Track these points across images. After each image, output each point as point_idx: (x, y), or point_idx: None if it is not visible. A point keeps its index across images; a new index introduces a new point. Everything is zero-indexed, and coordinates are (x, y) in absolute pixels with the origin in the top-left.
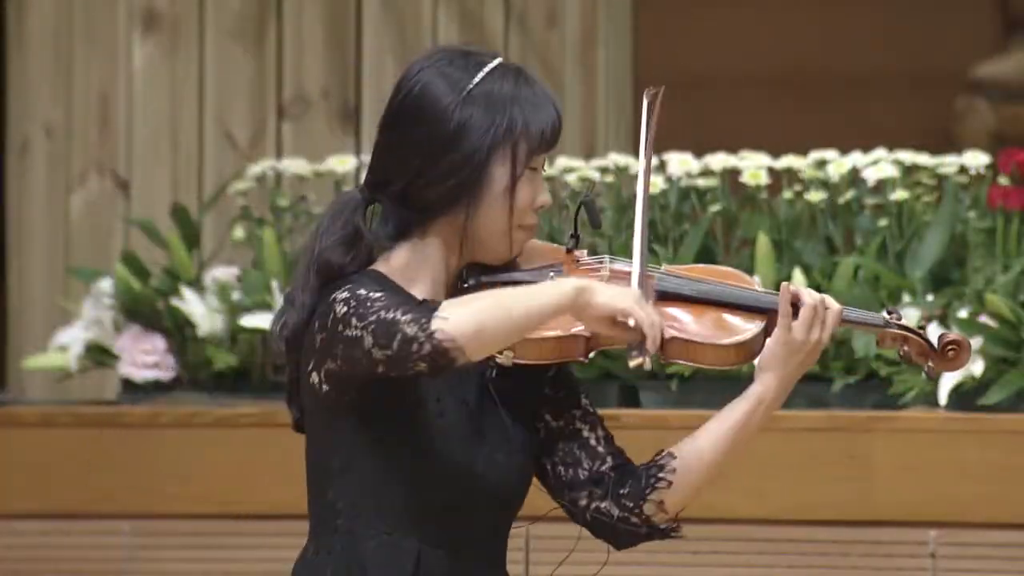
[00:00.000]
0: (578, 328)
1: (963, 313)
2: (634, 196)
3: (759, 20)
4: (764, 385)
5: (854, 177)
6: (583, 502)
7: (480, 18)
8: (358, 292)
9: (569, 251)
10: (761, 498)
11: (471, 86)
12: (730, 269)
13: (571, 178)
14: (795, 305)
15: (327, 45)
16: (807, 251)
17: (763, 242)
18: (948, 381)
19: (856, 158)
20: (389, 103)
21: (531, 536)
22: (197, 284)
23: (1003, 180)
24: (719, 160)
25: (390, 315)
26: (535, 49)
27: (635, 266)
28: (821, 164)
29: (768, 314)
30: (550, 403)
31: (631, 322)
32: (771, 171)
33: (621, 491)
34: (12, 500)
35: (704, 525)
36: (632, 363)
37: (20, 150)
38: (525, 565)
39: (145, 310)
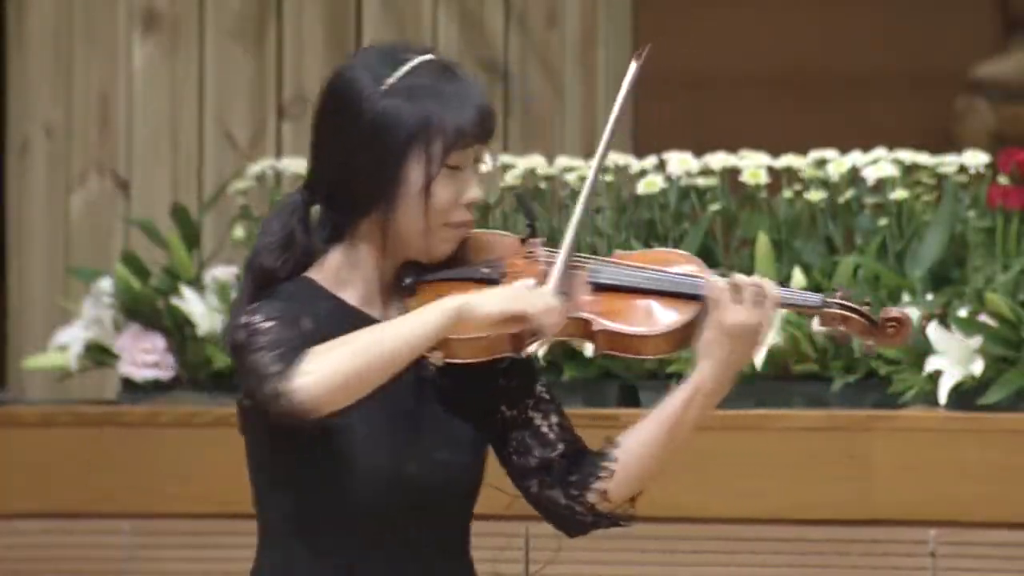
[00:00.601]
0: (509, 327)
1: (963, 312)
2: (579, 195)
3: (759, 20)
4: (700, 373)
5: (854, 177)
6: (534, 489)
7: (480, 18)
8: (252, 320)
9: (523, 241)
10: (761, 498)
11: (389, 83)
12: (683, 255)
13: (571, 178)
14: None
15: (327, 45)
16: (807, 251)
17: (763, 242)
18: (948, 380)
19: (856, 158)
20: (316, 101)
21: (531, 536)
22: (197, 284)
23: (1003, 180)
24: (719, 159)
25: (262, 361)
26: (535, 49)
27: (558, 260)
28: (821, 164)
29: (705, 301)
30: (505, 393)
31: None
32: (771, 171)
33: (568, 479)
34: (12, 500)
35: (704, 525)
36: (525, 352)
37: (20, 150)
38: (525, 565)
39: (145, 310)
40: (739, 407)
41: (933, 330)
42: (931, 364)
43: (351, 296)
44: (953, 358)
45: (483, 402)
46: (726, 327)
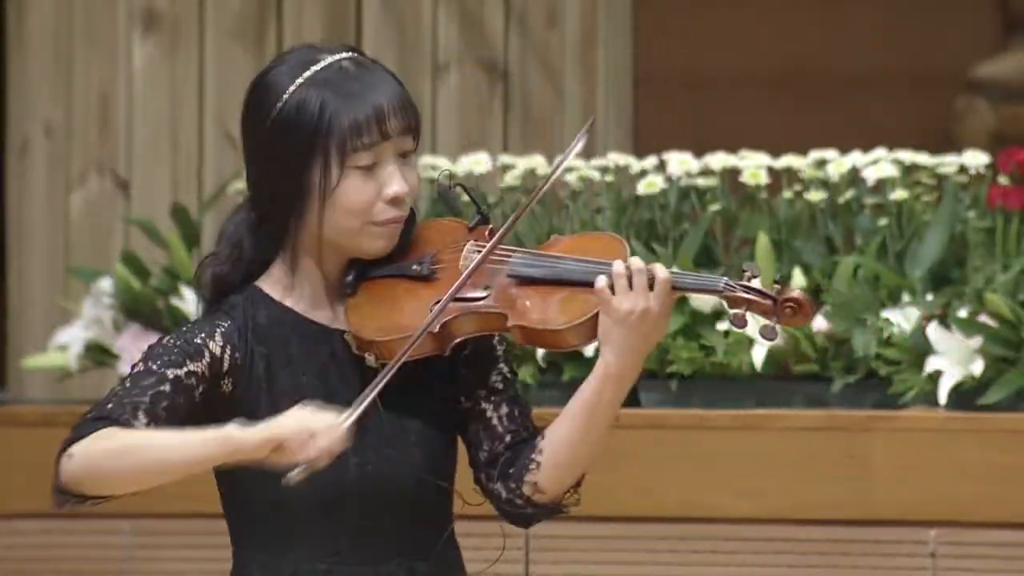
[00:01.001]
0: (427, 326)
1: (963, 312)
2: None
3: (759, 20)
4: (604, 360)
5: (854, 177)
6: (483, 483)
7: (480, 18)
8: (148, 348)
9: (470, 229)
10: (761, 498)
11: (296, 84)
12: (618, 243)
13: (571, 178)
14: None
15: None
16: (807, 251)
17: (763, 242)
18: (948, 380)
19: (856, 158)
20: (242, 107)
21: (531, 536)
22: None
23: (1003, 180)
24: (719, 160)
25: (93, 411)
26: (535, 49)
27: (369, 389)
28: (821, 164)
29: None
30: (462, 384)
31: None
32: (771, 171)
33: (508, 471)
34: (12, 500)
35: (704, 525)
36: (289, 482)
37: (20, 150)
38: (525, 565)
39: (145, 310)
40: (739, 407)
41: (933, 330)
42: (931, 364)
43: (297, 302)
44: (953, 358)
45: (444, 394)
46: (618, 314)
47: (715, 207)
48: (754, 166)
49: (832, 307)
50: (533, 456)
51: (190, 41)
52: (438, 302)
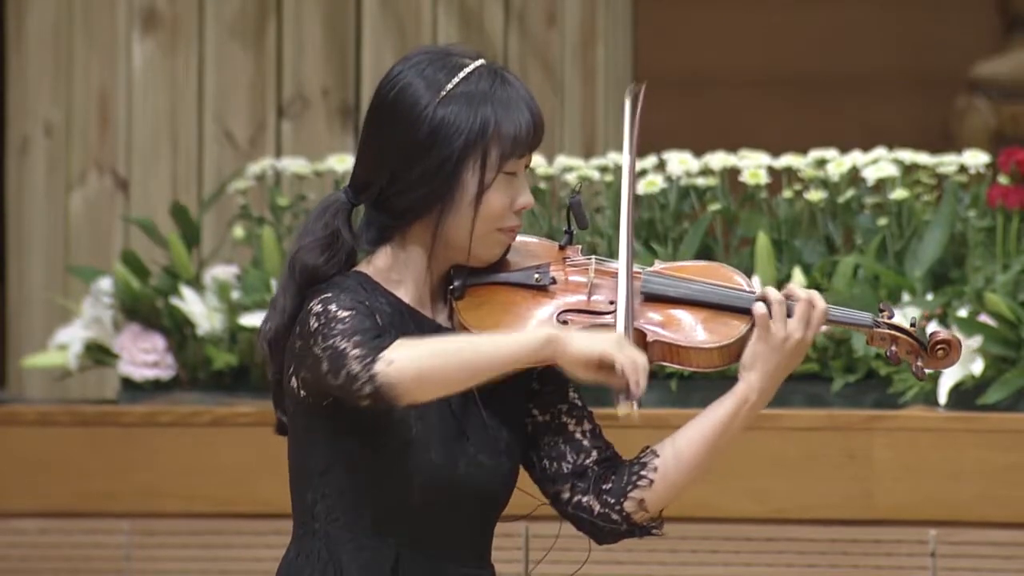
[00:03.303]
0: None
1: (963, 312)
2: (619, 214)
3: (759, 20)
4: (747, 384)
5: (854, 176)
6: (565, 495)
7: (480, 18)
8: (329, 308)
9: (562, 248)
10: (761, 498)
11: (446, 90)
12: (728, 269)
13: (570, 177)
14: (767, 305)
15: (327, 45)
16: (807, 250)
17: (763, 241)
18: (948, 380)
19: (856, 157)
20: (370, 104)
21: (531, 536)
22: (197, 283)
23: (1003, 179)
24: (719, 159)
25: (343, 344)
26: (535, 49)
27: (620, 305)
28: (821, 163)
29: (754, 315)
30: (537, 397)
31: (616, 366)
32: (771, 170)
33: (603, 487)
34: (11, 499)
35: (704, 525)
36: (620, 411)
37: (20, 149)
38: (525, 565)
39: (145, 309)
40: None
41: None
42: None
43: (403, 293)
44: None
45: (516, 406)
46: (775, 340)
47: (715, 207)
48: (754, 166)
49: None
50: (644, 473)
51: (190, 41)
52: (572, 311)
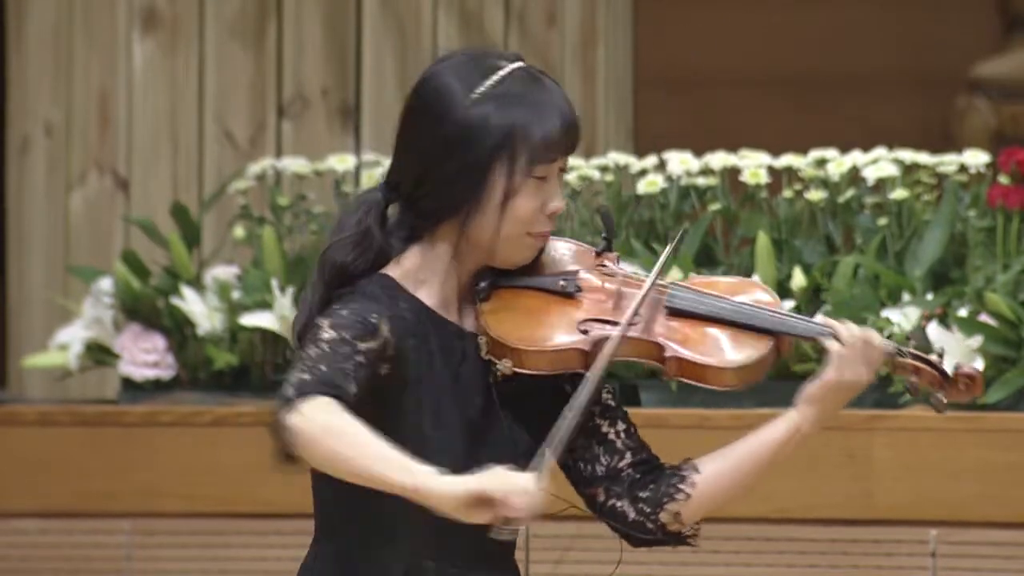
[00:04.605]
0: (575, 340)
1: (963, 312)
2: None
3: (759, 20)
4: (803, 416)
5: (854, 176)
6: (600, 498)
7: (480, 18)
8: (319, 325)
9: (598, 254)
10: (761, 498)
11: (479, 92)
12: (753, 282)
13: (571, 177)
14: (839, 340)
15: (327, 45)
16: (807, 250)
17: (763, 241)
18: None
19: (856, 157)
20: (405, 101)
21: (531, 536)
22: (197, 283)
23: (1003, 179)
24: (719, 159)
25: (294, 376)
26: (535, 49)
27: (557, 434)
28: (821, 163)
29: (778, 337)
30: (569, 399)
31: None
32: (771, 170)
33: (639, 494)
34: (11, 499)
35: (705, 524)
36: (500, 537)
37: (20, 149)
38: (525, 565)
39: (145, 309)
40: (739, 407)
41: (933, 330)
42: None
43: (428, 297)
44: (953, 358)
45: (548, 408)
46: (842, 377)
47: (715, 206)
48: (754, 165)
49: (832, 307)
50: (682, 487)
51: (190, 41)
52: (595, 320)
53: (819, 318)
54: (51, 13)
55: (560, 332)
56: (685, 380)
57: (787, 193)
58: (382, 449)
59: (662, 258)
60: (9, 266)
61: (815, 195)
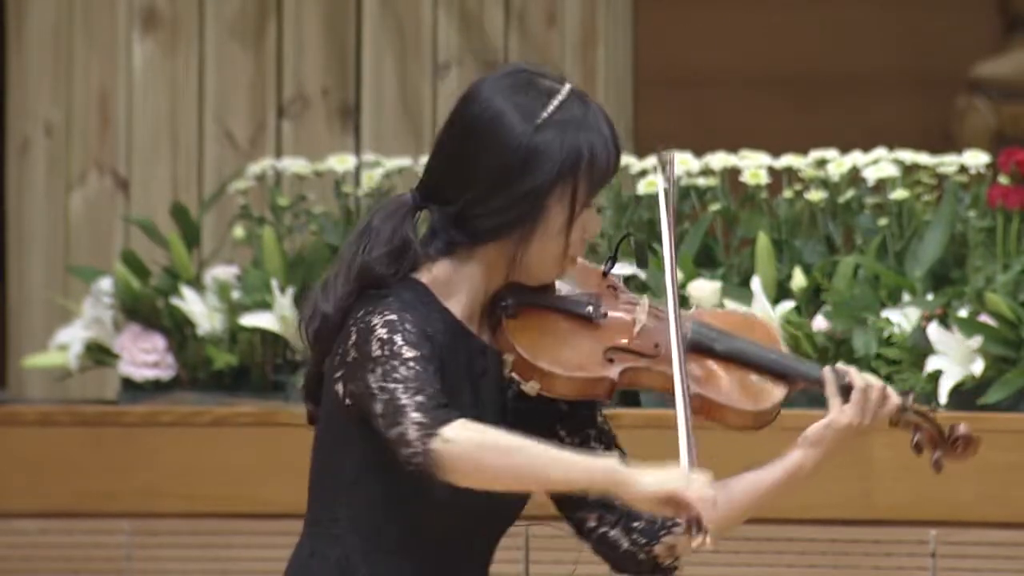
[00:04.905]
0: (607, 371)
1: (963, 312)
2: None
3: (759, 20)
4: (806, 457)
5: (854, 176)
6: (591, 524)
7: (480, 18)
8: (395, 339)
9: (605, 275)
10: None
11: (541, 118)
12: (759, 320)
13: None
14: (846, 387)
15: (327, 45)
16: (807, 250)
17: (763, 241)
18: (948, 380)
19: (856, 157)
20: (454, 118)
21: (531, 536)
22: (197, 283)
23: (1003, 179)
24: (719, 159)
25: (404, 399)
26: (535, 49)
27: (682, 436)
28: (821, 163)
29: (791, 381)
30: (567, 419)
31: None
32: (771, 170)
33: (633, 524)
34: (11, 499)
35: None
36: (693, 543)
37: (20, 149)
38: (525, 564)
39: (145, 309)
40: None
41: (933, 330)
42: (931, 364)
43: (456, 307)
44: (953, 358)
45: (546, 427)
46: (843, 423)
47: (715, 207)
48: (754, 166)
49: (832, 307)
50: (680, 521)
51: (190, 41)
52: (621, 349)
53: (839, 365)
54: (51, 13)
55: (591, 360)
56: (702, 418)
57: (787, 193)
58: (545, 451)
59: (672, 284)
60: (9, 266)
61: (815, 195)
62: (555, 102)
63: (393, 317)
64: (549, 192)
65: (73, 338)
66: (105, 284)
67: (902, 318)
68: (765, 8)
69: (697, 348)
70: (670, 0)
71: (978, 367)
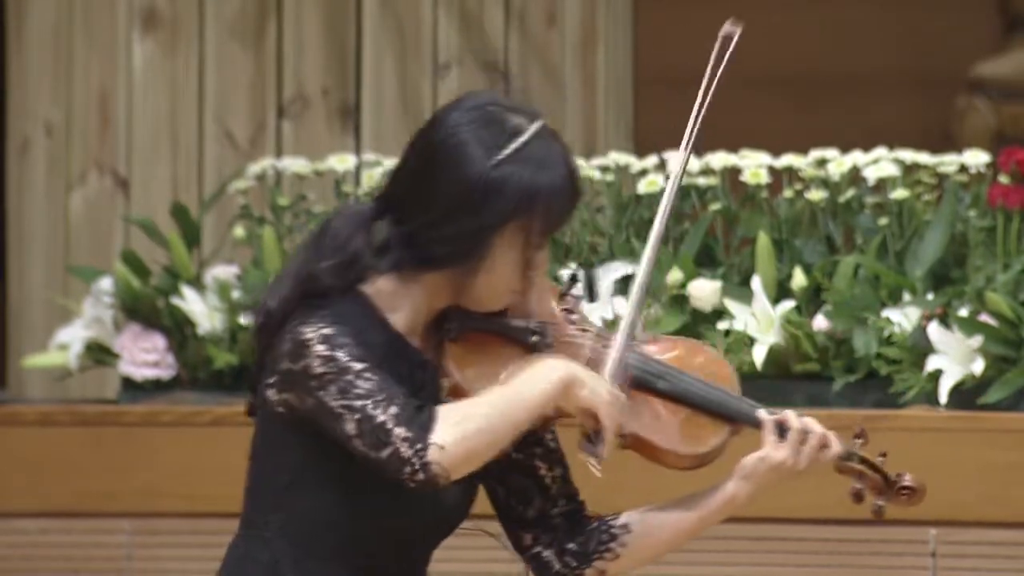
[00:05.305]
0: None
1: (963, 312)
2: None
3: (759, 20)
4: (739, 490)
5: (854, 176)
6: (527, 541)
7: (480, 18)
8: (336, 356)
9: (563, 296)
10: (761, 497)
11: (501, 157)
12: (712, 354)
13: None
14: (781, 427)
15: (327, 45)
16: (807, 250)
17: (763, 241)
18: (948, 380)
19: (856, 157)
20: (418, 140)
21: None
22: (197, 283)
23: (1003, 179)
24: (719, 159)
25: (380, 417)
26: (535, 49)
27: (614, 352)
28: (821, 163)
29: (736, 424)
30: None
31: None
32: (771, 170)
33: (567, 545)
34: (11, 499)
35: None
36: (581, 455)
37: (20, 149)
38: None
39: (145, 309)
40: None
41: (934, 330)
42: (932, 363)
43: (398, 321)
44: (954, 357)
45: None
46: (775, 462)
47: (716, 206)
48: (755, 165)
49: (832, 306)
50: (612, 546)
51: (190, 41)
52: None
53: (782, 412)
54: (51, 13)
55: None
56: (640, 454)
57: (787, 193)
58: (507, 394)
59: (626, 320)
60: (9, 266)
61: (815, 195)
62: (518, 141)
63: (330, 331)
64: (500, 229)
65: (73, 338)
66: (105, 284)
67: (902, 318)
68: (765, 8)
69: (638, 385)
70: (670, 0)
71: (978, 367)
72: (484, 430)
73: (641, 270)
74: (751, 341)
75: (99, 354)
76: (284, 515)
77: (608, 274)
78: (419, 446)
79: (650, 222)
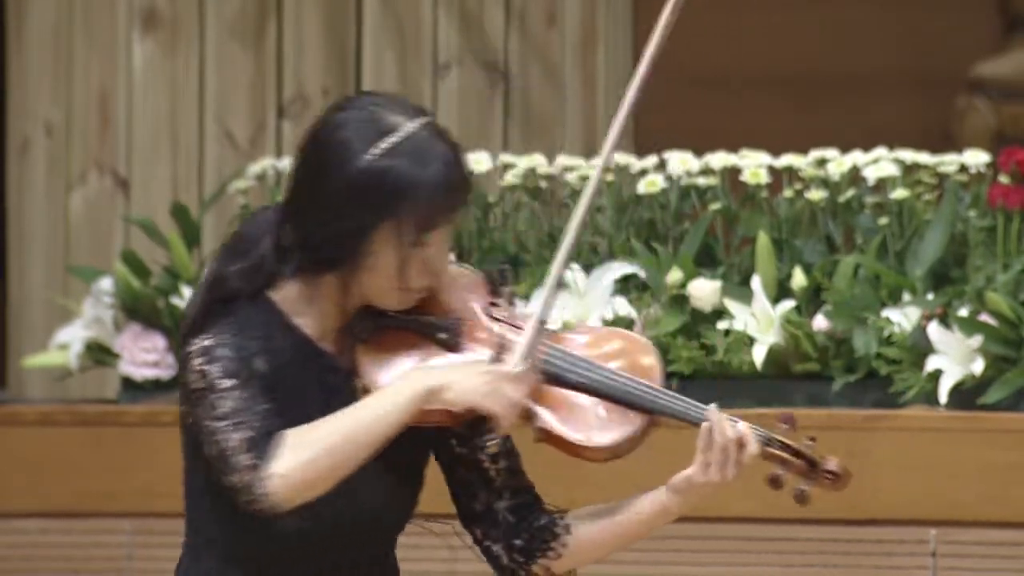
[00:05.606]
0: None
1: (963, 312)
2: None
3: (759, 20)
4: (673, 502)
5: (854, 176)
6: (477, 535)
7: (480, 18)
8: (208, 371)
9: (493, 291)
10: (761, 497)
11: (373, 155)
12: (636, 345)
13: (571, 177)
14: (708, 440)
15: (327, 45)
16: (807, 250)
17: (763, 241)
18: (948, 380)
19: (856, 157)
20: (302, 143)
21: None
22: (197, 283)
23: (1003, 179)
24: (719, 159)
25: (232, 442)
26: (535, 49)
27: (521, 345)
28: (821, 163)
29: (650, 415)
30: (444, 434)
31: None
32: (771, 170)
33: (514, 541)
34: (12, 499)
35: (704, 524)
36: (486, 442)
37: (20, 149)
38: None
39: (145, 309)
40: (739, 407)
41: (934, 330)
42: (932, 363)
43: (307, 326)
44: (954, 357)
45: (432, 435)
46: (711, 481)
47: (715, 206)
48: (754, 165)
49: (832, 306)
50: (554, 546)
51: (190, 41)
52: None
53: (711, 407)
54: (51, 13)
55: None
56: (550, 446)
57: (787, 193)
58: (361, 410)
59: (535, 319)
60: (9, 266)
61: (815, 195)
62: (393, 138)
63: (209, 343)
64: (378, 226)
65: (73, 338)
66: (105, 284)
67: (902, 318)
68: (765, 8)
69: (549, 378)
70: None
71: (978, 367)
72: (325, 455)
73: (556, 262)
74: (751, 341)
75: (99, 354)
76: (195, 519)
77: (608, 274)
78: (260, 475)
79: (651, 222)
